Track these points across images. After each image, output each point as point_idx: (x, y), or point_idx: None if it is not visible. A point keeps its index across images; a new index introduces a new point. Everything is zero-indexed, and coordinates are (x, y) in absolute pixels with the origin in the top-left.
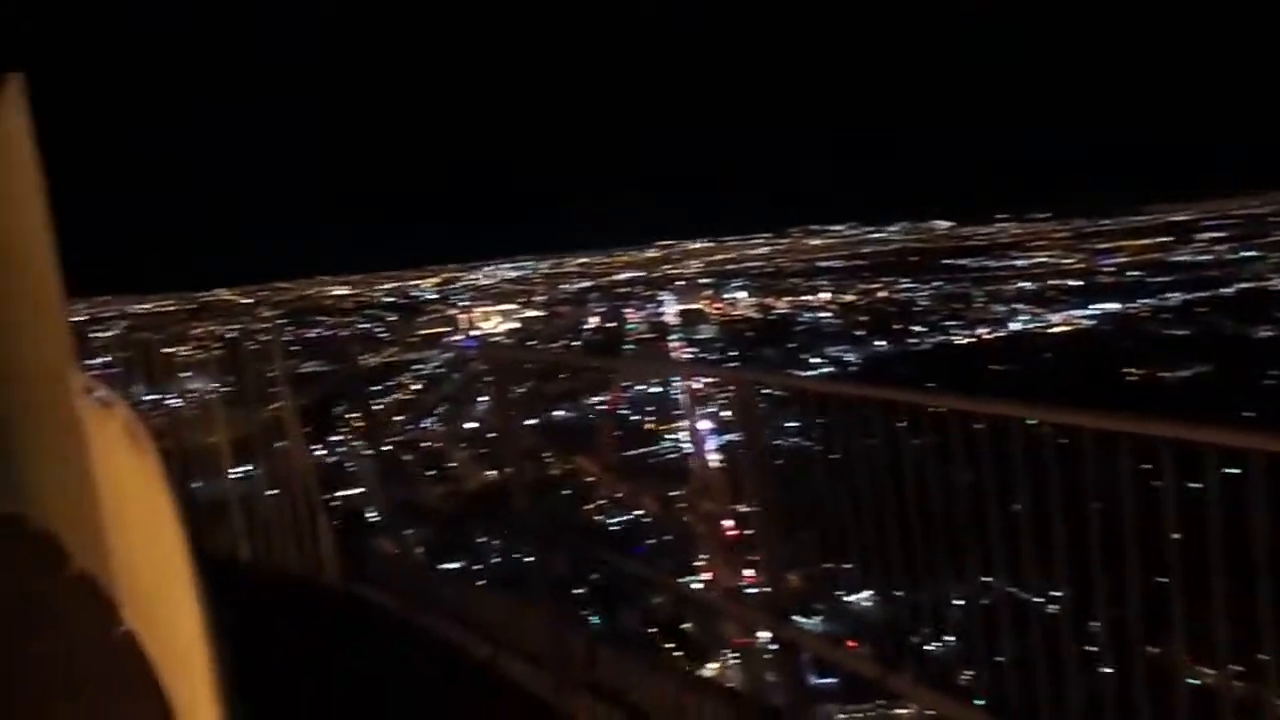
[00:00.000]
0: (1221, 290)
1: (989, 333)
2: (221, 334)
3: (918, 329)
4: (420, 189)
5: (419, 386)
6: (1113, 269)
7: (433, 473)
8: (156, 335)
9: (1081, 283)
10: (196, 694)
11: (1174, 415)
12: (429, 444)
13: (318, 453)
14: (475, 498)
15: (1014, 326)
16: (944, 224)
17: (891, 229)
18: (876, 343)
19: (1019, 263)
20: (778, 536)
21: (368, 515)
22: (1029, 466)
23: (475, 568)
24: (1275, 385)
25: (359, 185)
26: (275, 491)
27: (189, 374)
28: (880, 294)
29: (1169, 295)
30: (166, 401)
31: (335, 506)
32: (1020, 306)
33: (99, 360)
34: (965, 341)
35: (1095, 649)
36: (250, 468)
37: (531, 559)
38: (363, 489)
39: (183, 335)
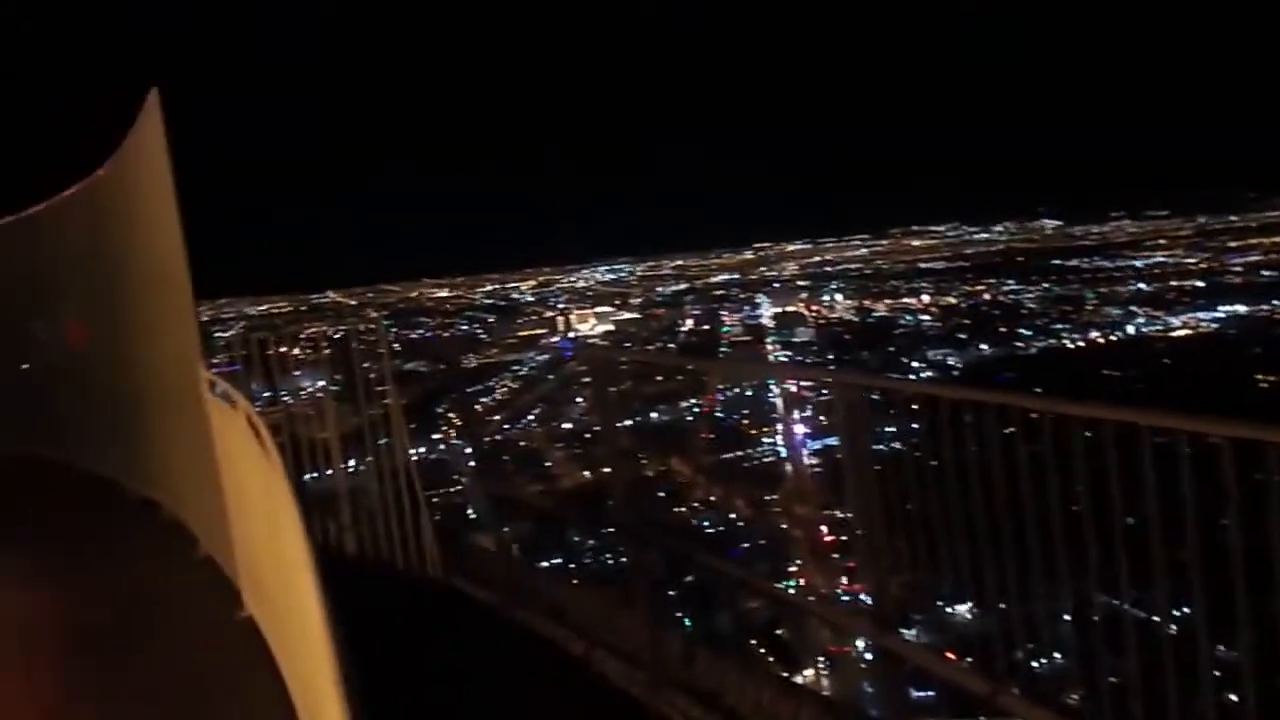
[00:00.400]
0: None
1: (1102, 336)
2: (331, 334)
3: (1024, 332)
4: (518, 191)
5: (516, 387)
6: (1241, 269)
7: (529, 471)
8: (271, 335)
9: (1205, 284)
10: (316, 679)
11: None
12: (525, 443)
13: (420, 449)
14: (570, 496)
15: (1130, 330)
16: (1053, 223)
17: (996, 229)
18: (980, 346)
19: (1136, 263)
20: (882, 543)
21: (467, 511)
22: (1154, 476)
23: (570, 566)
24: None
25: (460, 188)
26: (380, 485)
27: (300, 372)
28: (984, 296)
29: None
30: (281, 398)
31: (435, 502)
32: (1137, 309)
33: (220, 358)
34: (1076, 345)
35: (1224, 674)
36: (356, 462)
37: (626, 558)
38: (462, 485)
39: (295, 335)
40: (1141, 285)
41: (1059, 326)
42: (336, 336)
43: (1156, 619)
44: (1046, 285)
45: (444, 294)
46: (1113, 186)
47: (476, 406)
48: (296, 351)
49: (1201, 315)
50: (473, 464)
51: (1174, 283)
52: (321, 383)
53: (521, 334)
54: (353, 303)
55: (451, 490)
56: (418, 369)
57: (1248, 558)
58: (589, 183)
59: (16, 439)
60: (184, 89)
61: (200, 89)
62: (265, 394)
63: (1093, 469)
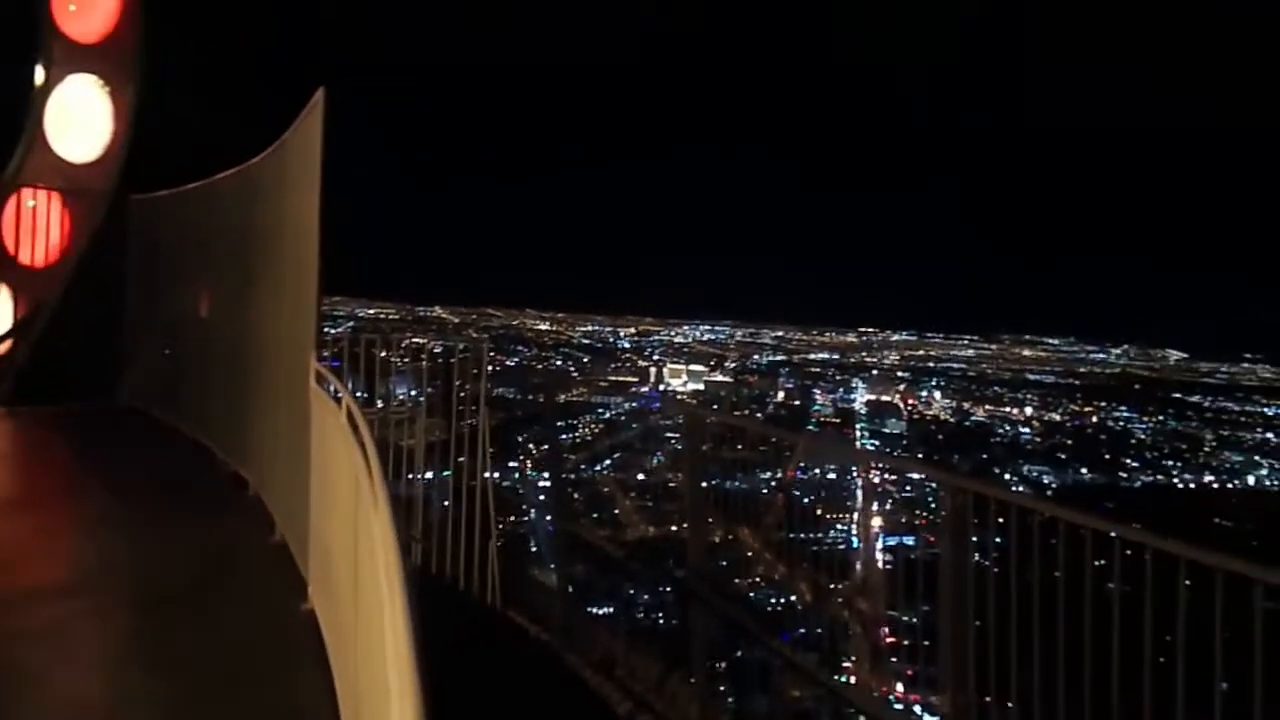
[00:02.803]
0: None
1: (1218, 481)
2: (432, 347)
3: (1131, 463)
4: (635, 241)
5: (599, 430)
6: None
7: (597, 515)
8: (378, 338)
9: None
10: (373, 689)
11: None
12: (598, 487)
13: (496, 474)
14: (632, 547)
15: (1250, 480)
16: (1177, 354)
17: (1115, 350)
18: (1080, 470)
19: (1266, 410)
20: (969, 658)
21: (530, 544)
22: (1251, 637)
23: (622, 618)
24: None
25: (572, 228)
26: (455, 502)
27: (396, 379)
28: (1093, 418)
29: None
30: (375, 400)
31: (501, 528)
32: (1261, 459)
33: (326, 354)
34: (1187, 486)
35: None
36: (432, 475)
37: (683, 620)
38: (530, 517)
39: (399, 343)
40: (1270, 435)
41: (1170, 463)
42: (437, 350)
43: None
44: (1162, 418)
45: (544, 327)
46: (1247, 327)
47: (558, 442)
48: (396, 360)
49: None
50: (543, 498)
51: None
52: (414, 392)
53: (613, 378)
54: (457, 320)
55: (518, 520)
56: (507, 394)
57: None
58: (706, 239)
59: (134, 395)
60: (347, 83)
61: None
62: (361, 395)
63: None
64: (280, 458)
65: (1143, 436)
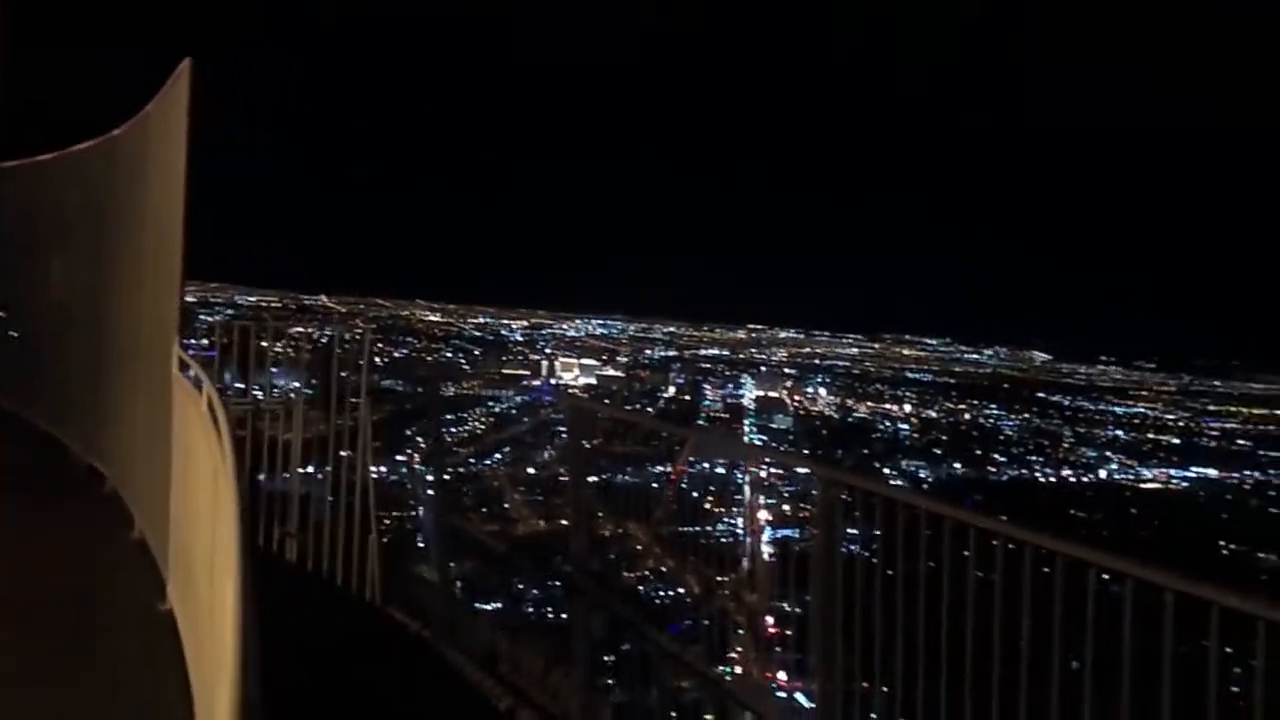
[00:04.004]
0: None
1: (1075, 475)
2: (315, 337)
3: (999, 458)
4: (524, 232)
5: (489, 423)
6: (1217, 433)
7: (486, 510)
8: (255, 326)
9: (1181, 442)
10: (217, 691)
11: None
12: (488, 481)
13: (381, 469)
14: (523, 542)
15: (1102, 474)
16: (1043, 356)
17: (987, 351)
18: (954, 465)
19: (1118, 409)
20: (836, 647)
21: (416, 539)
22: (1099, 621)
23: (510, 613)
24: None
25: (473, 214)
26: (335, 498)
27: (277, 370)
28: (965, 415)
29: (1277, 472)
30: (253, 392)
31: (386, 524)
32: (1112, 455)
33: (201, 342)
34: (1048, 480)
35: None
36: (313, 470)
37: (569, 615)
38: (415, 513)
39: (280, 332)
40: (1119, 433)
41: (1034, 459)
42: (321, 341)
43: None
44: (1028, 416)
45: (435, 318)
46: (1107, 330)
47: (446, 435)
48: (278, 348)
49: (1174, 472)
50: (430, 493)
51: (1151, 435)
52: (296, 384)
53: (504, 372)
54: (343, 310)
55: (404, 515)
56: (394, 387)
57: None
58: (595, 232)
59: None
60: (222, 59)
61: (240, 64)
62: (238, 385)
63: (1043, 607)
64: (140, 450)
65: (1010, 433)
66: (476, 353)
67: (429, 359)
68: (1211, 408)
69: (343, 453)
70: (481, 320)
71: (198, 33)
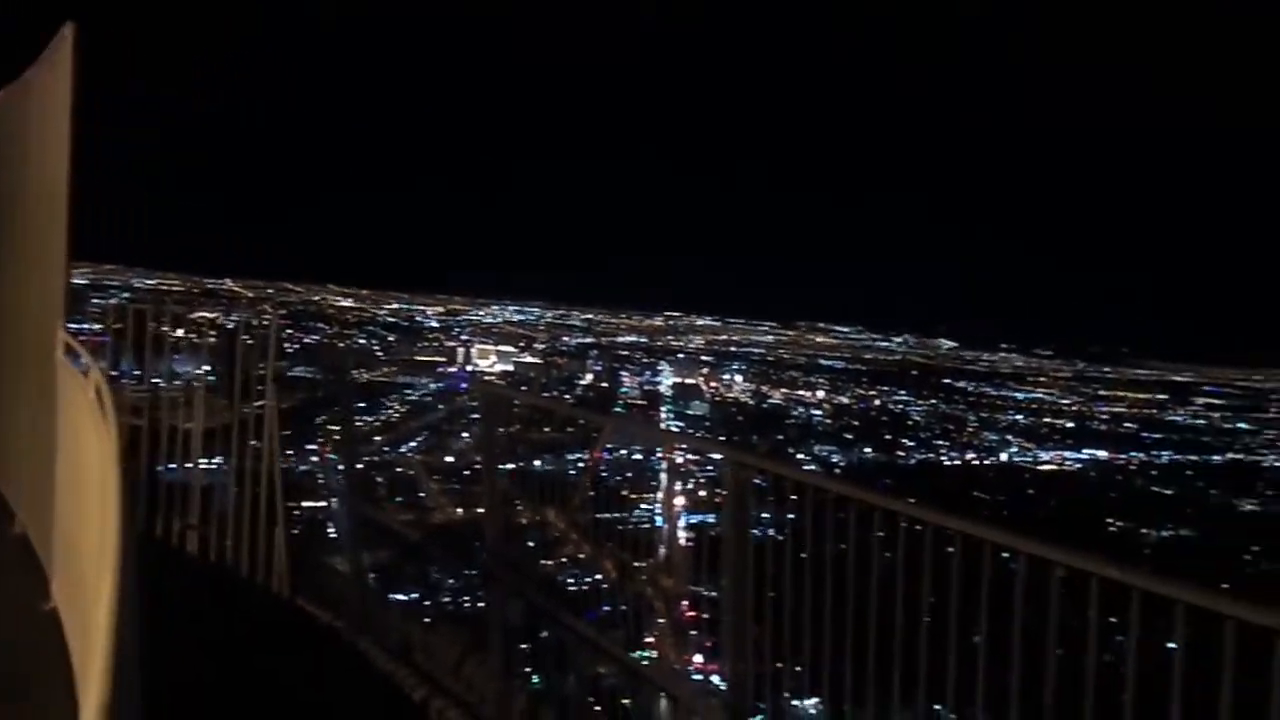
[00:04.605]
0: (1213, 457)
1: (977, 459)
2: (219, 322)
3: (907, 443)
4: (443, 216)
5: (404, 411)
6: (1107, 417)
7: (401, 499)
8: (154, 312)
9: (1075, 425)
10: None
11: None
12: (402, 470)
13: (289, 458)
14: (440, 531)
15: (1003, 457)
16: (949, 343)
17: (896, 339)
18: (865, 449)
19: (1017, 395)
20: (746, 628)
21: (327, 529)
22: (996, 597)
23: (426, 603)
24: (1254, 561)
25: (382, 201)
26: (240, 489)
27: (178, 356)
28: (876, 401)
29: (1159, 453)
30: (152, 379)
31: (296, 515)
32: (1012, 439)
33: (94, 327)
34: (953, 463)
35: None
36: (220, 460)
37: (486, 604)
38: (327, 503)
39: (180, 317)
40: (1019, 417)
41: (940, 443)
42: (226, 326)
43: None
44: (935, 401)
45: (347, 304)
46: (1009, 317)
47: (359, 424)
48: (179, 334)
49: (1068, 454)
50: (343, 482)
51: (1048, 419)
52: (198, 371)
53: (419, 358)
54: (250, 295)
55: (315, 506)
56: (304, 375)
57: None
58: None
59: None
60: (118, 29)
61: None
62: (135, 372)
63: (943, 585)
64: (21, 440)
65: (918, 418)
66: (390, 339)
67: (342, 346)
68: (1102, 393)
69: (251, 442)
70: (395, 306)
71: None
